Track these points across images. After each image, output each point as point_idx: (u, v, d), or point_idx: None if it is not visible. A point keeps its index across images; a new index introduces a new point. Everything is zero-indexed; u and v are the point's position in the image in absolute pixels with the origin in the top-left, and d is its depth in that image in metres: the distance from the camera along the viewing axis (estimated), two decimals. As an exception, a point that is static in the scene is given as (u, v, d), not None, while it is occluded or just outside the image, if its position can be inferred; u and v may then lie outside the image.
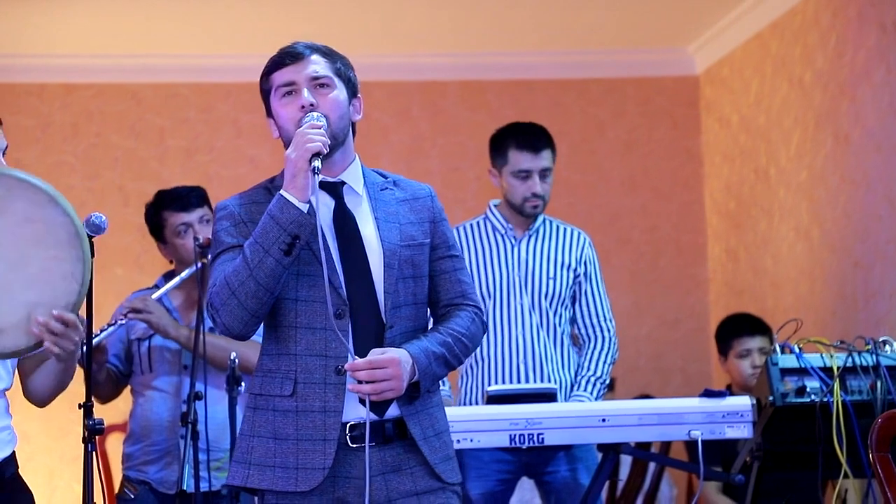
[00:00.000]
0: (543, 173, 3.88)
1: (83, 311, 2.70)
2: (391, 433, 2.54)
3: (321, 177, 2.50)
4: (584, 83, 6.59)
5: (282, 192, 2.45)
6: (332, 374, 2.50)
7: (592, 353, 3.88)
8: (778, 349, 3.59)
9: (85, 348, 2.83)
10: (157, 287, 3.92)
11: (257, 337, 3.83)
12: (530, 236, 3.93)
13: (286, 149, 2.53)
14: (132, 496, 3.80)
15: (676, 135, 6.62)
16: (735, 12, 6.00)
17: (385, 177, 2.68)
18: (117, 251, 5.99)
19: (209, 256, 3.78)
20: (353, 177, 2.62)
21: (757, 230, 5.99)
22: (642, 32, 6.32)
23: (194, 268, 3.75)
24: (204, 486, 3.60)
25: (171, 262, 3.96)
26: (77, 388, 3.17)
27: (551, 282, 3.87)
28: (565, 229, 3.97)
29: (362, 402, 2.49)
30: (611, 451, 3.52)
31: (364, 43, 6.10)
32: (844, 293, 5.11)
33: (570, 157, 6.29)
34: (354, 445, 2.49)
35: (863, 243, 4.97)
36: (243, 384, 3.61)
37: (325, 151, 2.47)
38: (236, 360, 3.59)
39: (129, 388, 3.95)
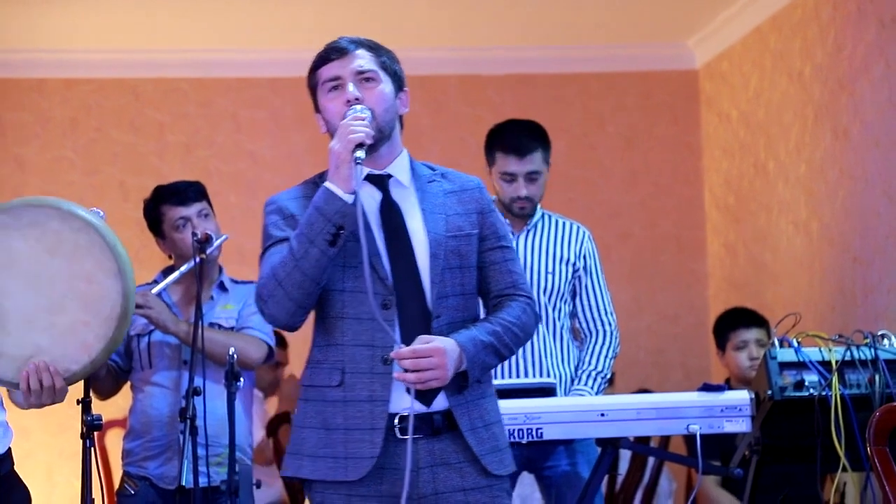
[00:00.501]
0: (530, 176, 3.85)
1: None
2: (440, 425, 2.55)
3: (367, 170, 2.53)
4: (584, 78, 6.59)
5: (326, 183, 2.49)
6: (378, 364, 2.52)
7: (593, 347, 3.87)
8: (777, 343, 3.59)
9: None
10: (156, 282, 3.93)
11: (256, 332, 3.86)
12: (529, 231, 3.92)
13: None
14: (132, 492, 3.80)
15: (676, 129, 6.61)
16: (734, 7, 6.00)
17: (433, 169, 2.71)
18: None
19: (207, 252, 3.80)
20: (399, 169, 2.64)
21: (756, 224, 5.99)
22: (642, 27, 6.32)
23: (193, 263, 3.75)
24: (203, 482, 3.60)
25: (169, 257, 3.96)
26: (77, 384, 3.18)
27: (550, 276, 3.86)
28: (564, 223, 3.96)
29: (409, 392, 2.50)
30: (609, 446, 3.52)
31: (369, 36, 6.08)
32: (843, 287, 5.11)
33: (570, 151, 6.29)
34: (403, 437, 2.51)
35: (862, 238, 4.97)
36: (242, 379, 3.61)
37: (369, 142, 2.50)
38: (235, 356, 3.59)
39: (128, 384, 3.95)
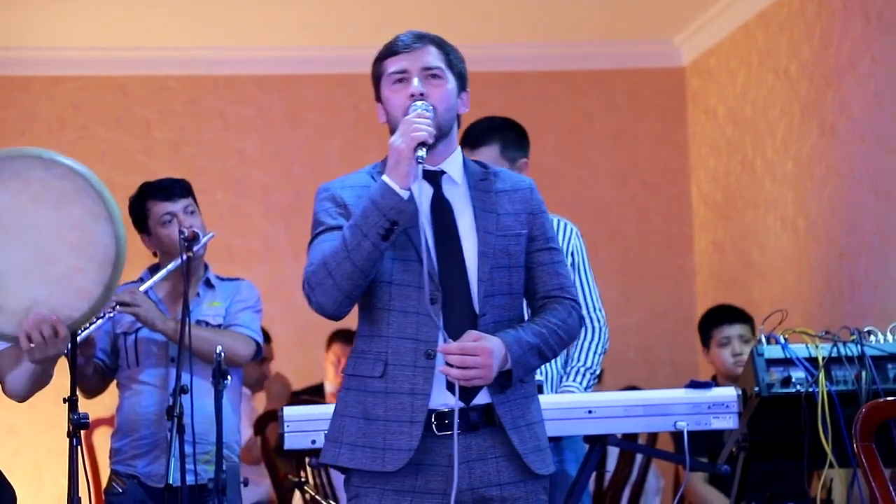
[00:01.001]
0: None
1: None
2: (476, 420, 2.55)
3: (423, 166, 2.53)
4: (573, 75, 6.59)
5: (384, 177, 2.49)
6: (422, 357, 2.53)
7: (582, 343, 3.86)
8: (764, 340, 3.59)
9: (70, 342, 2.83)
10: (141, 280, 3.92)
11: (244, 329, 3.85)
12: (516, 228, 3.91)
13: (391, 135, 2.57)
14: (121, 490, 3.79)
15: (664, 126, 6.62)
16: (721, 4, 6.01)
17: (486, 168, 2.71)
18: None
19: (194, 250, 3.79)
20: (453, 167, 2.65)
21: (743, 221, 6.00)
22: (629, 24, 6.32)
23: (180, 260, 3.74)
24: (191, 480, 3.59)
25: (154, 254, 3.95)
26: (63, 381, 3.17)
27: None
28: (551, 220, 3.95)
29: (450, 388, 2.52)
30: (597, 443, 3.52)
31: (352, 35, 6.09)
32: (830, 284, 5.12)
33: (558, 148, 6.30)
34: (440, 433, 2.52)
35: (848, 234, 4.98)
36: (229, 378, 3.61)
37: (431, 142, 2.51)
38: (222, 354, 3.58)
39: (115, 382, 3.94)
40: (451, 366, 2.48)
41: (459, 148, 2.69)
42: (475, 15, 6.04)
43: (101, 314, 3.73)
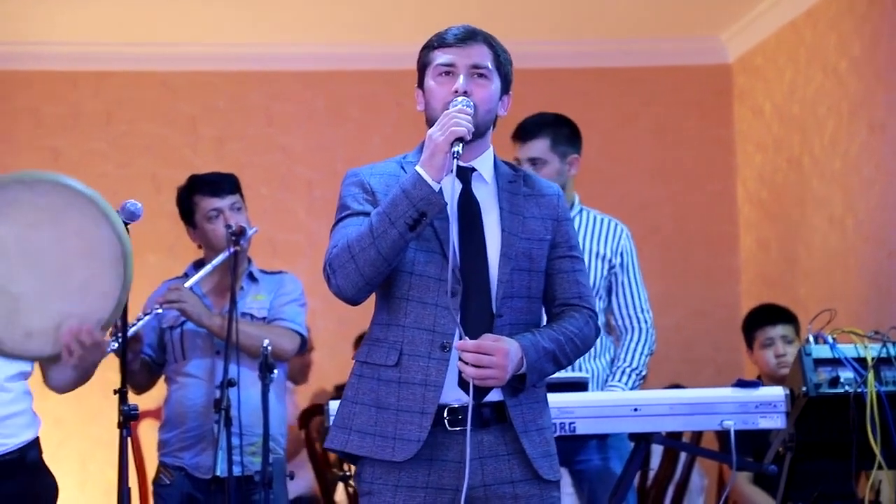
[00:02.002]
0: (532, 161, 3.82)
1: None
2: (489, 417, 2.55)
3: (457, 161, 2.52)
4: (615, 72, 6.56)
5: (417, 167, 2.49)
6: (437, 349, 2.53)
7: (629, 344, 3.86)
8: (811, 339, 3.56)
9: (120, 336, 2.85)
10: (186, 275, 3.94)
11: (288, 323, 3.86)
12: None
13: (427, 124, 2.57)
14: (168, 482, 3.82)
15: (708, 124, 6.58)
16: (768, 1, 5.96)
17: (516, 170, 2.70)
18: (150, 238, 6.01)
19: (242, 245, 3.81)
20: (484, 165, 2.64)
21: (789, 220, 5.95)
22: (674, 21, 6.29)
23: (226, 254, 3.76)
24: (237, 471, 3.62)
25: (199, 246, 3.98)
26: (109, 374, 3.20)
27: (585, 272, 3.84)
28: (602, 219, 3.94)
29: (461, 385, 2.52)
30: (642, 441, 3.51)
31: (395, 31, 6.09)
32: (878, 283, 5.07)
33: (600, 146, 6.27)
34: (452, 429, 2.52)
35: (897, 233, 4.94)
36: (276, 371, 3.62)
37: (469, 138, 2.50)
38: (269, 348, 3.60)
39: (163, 375, 3.97)
40: (466, 364, 2.48)
41: (492, 148, 2.68)
42: (518, 12, 6.02)
43: (149, 310, 3.76)
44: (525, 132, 3.84)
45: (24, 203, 2.62)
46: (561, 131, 3.88)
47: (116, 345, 3.27)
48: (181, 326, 3.85)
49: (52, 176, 2.65)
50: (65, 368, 2.77)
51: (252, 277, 3.96)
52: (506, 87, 2.66)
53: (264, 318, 3.89)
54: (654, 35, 6.45)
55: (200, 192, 3.91)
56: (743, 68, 6.47)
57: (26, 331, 2.64)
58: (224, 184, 3.92)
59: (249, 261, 3.99)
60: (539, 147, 3.83)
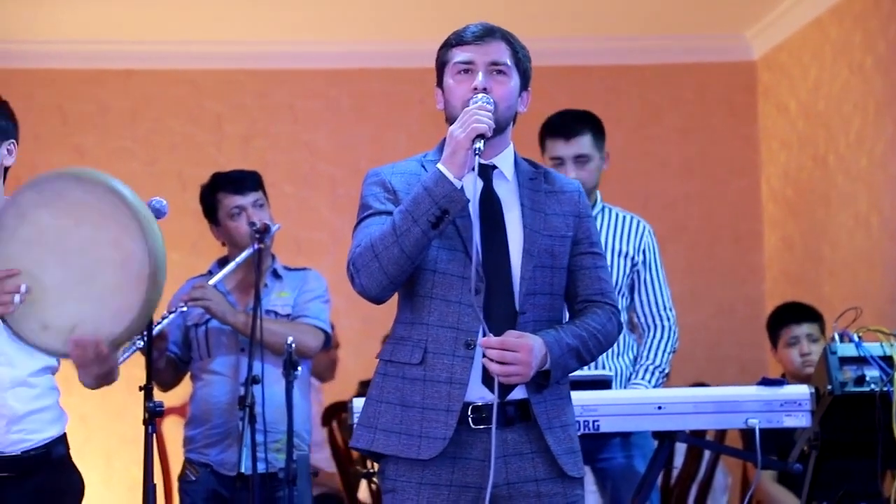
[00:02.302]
0: (578, 160, 3.80)
1: None
2: (513, 415, 2.56)
3: (479, 157, 2.53)
4: (641, 69, 6.55)
5: (439, 165, 2.49)
6: (461, 347, 2.54)
7: (652, 341, 3.85)
8: (837, 338, 3.55)
9: (145, 334, 2.87)
10: (210, 273, 3.96)
11: (312, 320, 3.88)
12: (587, 222, 3.89)
13: (447, 122, 2.58)
14: (194, 478, 3.84)
15: (733, 121, 6.56)
16: (793, -3, 5.94)
17: (536, 167, 2.70)
18: (175, 236, 6.00)
19: (266, 242, 3.83)
20: (504, 162, 2.64)
21: (814, 218, 5.93)
22: (699, 18, 6.27)
23: (250, 251, 3.77)
24: (262, 468, 3.63)
25: (223, 244, 4.00)
26: (135, 371, 3.21)
27: (607, 269, 3.83)
28: (624, 217, 3.92)
29: (486, 383, 2.52)
30: (666, 439, 3.50)
31: (419, 29, 6.09)
32: (904, 282, 5.05)
33: (625, 143, 6.25)
34: (476, 427, 2.53)
35: (924, 231, 4.91)
36: (300, 368, 3.64)
37: (490, 135, 2.50)
38: (293, 345, 3.62)
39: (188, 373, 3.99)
40: (490, 360, 2.48)
41: (512, 145, 2.68)
42: (543, 9, 6.02)
43: (174, 308, 3.78)
44: (569, 129, 3.82)
45: (73, 199, 2.63)
46: (597, 129, 3.89)
47: (142, 343, 3.29)
48: (206, 324, 3.87)
49: (106, 179, 2.66)
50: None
51: (276, 275, 3.97)
52: (525, 84, 2.65)
53: (288, 316, 3.90)
54: (679, 32, 6.43)
55: (223, 189, 3.93)
56: (768, 65, 6.44)
57: (43, 323, 2.65)
58: (247, 181, 3.93)
59: (273, 258, 4.01)
60: (585, 143, 3.82)
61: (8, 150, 2.86)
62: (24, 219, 2.65)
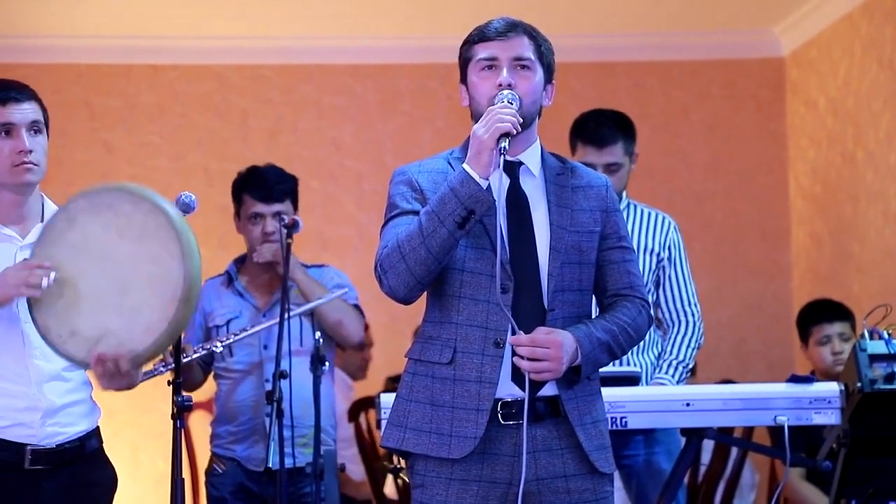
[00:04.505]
0: (609, 168, 3.81)
1: None
2: (543, 411, 2.55)
3: (504, 156, 2.52)
4: (668, 65, 6.52)
5: (465, 165, 2.49)
6: (490, 345, 2.54)
7: (676, 337, 3.84)
8: (866, 335, 3.52)
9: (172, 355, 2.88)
10: (228, 273, 3.95)
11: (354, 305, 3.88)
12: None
13: (472, 119, 2.58)
14: (221, 471, 3.86)
15: (761, 117, 6.52)
16: (823, -7, 5.90)
17: (563, 163, 2.69)
18: (200, 231, 5.94)
19: (292, 237, 3.82)
20: (531, 158, 2.64)
21: (843, 215, 5.89)
22: (727, 14, 6.23)
23: (329, 297, 3.77)
24: (289, 463, 3.64)
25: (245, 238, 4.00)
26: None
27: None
28: (650, 213, 3.92)
29: (515, 379, 2.52)
30: (694, 436, 3.49)
31: (446, 24, 6.09)
32: (934, 279, 5.01)
33: (652, 139, 6.23)
34: (505, 423, 2.52)
35: (954, 228, 4.86)
36: (327, 364, 3.64)
37: (515, 133, 2.49)
38: (320, 340, 3.62)
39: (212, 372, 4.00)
40: (521, 358, 2.48)
41: (538, 140, 2.67)
42: (569, 5, 6.00)
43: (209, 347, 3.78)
44: (603, 138, 3.82)
45: (123, 212, 2.67)
46: (629, 133, 3.90)
47: (165, 369, 3.43)
48: (227, 325, 3.88)
49: (155, 198, 2.70)
50: None
51: None
52: (549, 77, 2.65)
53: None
54: (708, 28, 6.39)
55: (249, 191, 3.90)
56: (797, 61, 6.40)
57: (72, 329, 2.68)
58: (275, 191, 3.87)
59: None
60: (618, 151, 3.84)
61: None
62: (73, 224, 2.70)
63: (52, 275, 2.66)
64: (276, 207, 3.87)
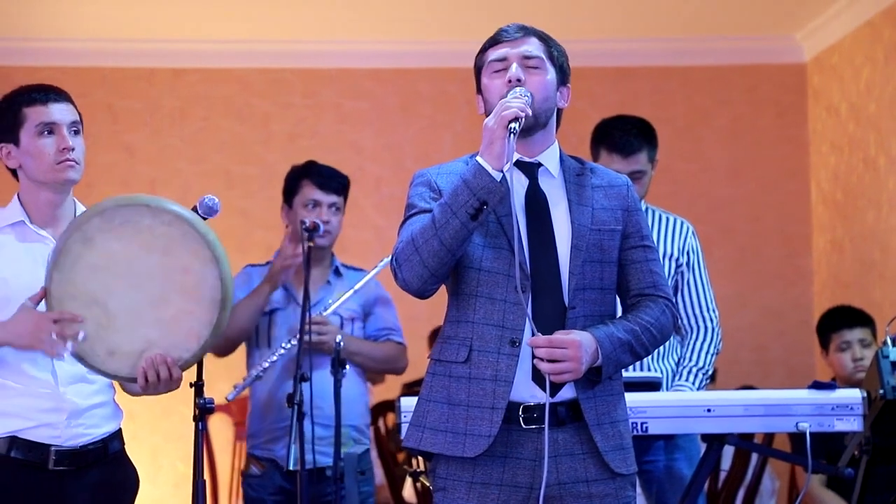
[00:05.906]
0: (633, 176, 3.79)
1: None
2: (564, 416, 2.55)
3: (518, 156, 2.54)
4: (689, 70, 6.51)
5: (478, 157, 2.49)
6: (506, 344, 2.53)
7: (695, 343, 3.83)
8: (889, 342, 3.50)
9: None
10: (269, 264, 3.97)
11: (397, 337, 3.91)
12: (633, 225, 3.88)
13: None
14: (259, 473, 3.86)
15: (782, 123, 6.51)
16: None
17: (582, 163, 2.70)
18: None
19: (315, 241, 3.84)
20: (549, 159, 2.64)
21: (864, 221, 5.86)
22: (749, 19, 6.22)
23: (377, 269, 3.85)
24: (325, 461, 3.69)
25: (286, 226, 4.01)
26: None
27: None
28: (668, 218, 3.91)
29: (536, 381, 2.52)
30: (715, 442, 3.47)
31: (466, 29, 6.09)
32: (957, 286, 4.98)
33: (673, 144, 6.21)
34: (527, 426, 2.52)
35: (977, 235, 4.83)
36: (348, 367, 3.64)
37: (523, 115, 2.48)
38: (341, 343, 3.63)
39: (245, 364, 4.01)
40: (541, 359, 2.47)
41: (557, 142, 2.67)
42: (590, 10, 5.99)
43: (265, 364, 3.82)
44: (628, 147, 3.82)
45: (143, 226, 2.70)
46: (653, 141, 3.90)
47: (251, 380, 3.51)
48: (270, 314, 3.90)
49: (176, 208, 2.72)
50: (134, 386, 2.83)
51: (337, 272, 4.01)
52: (563, 79, 2.65)
53: (352, 320, 3.92)
54: (730, 34, 6.38)
55: (310, 178, 3.98)
56: (819, 67, 6.38)
57: (110, 348, 2.71)
58: (334, 182, 3.97)
59: (332, 255, 4.04)
60: (642, 160, 3.84)
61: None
62: (90, 245, 2.71)
63: (81, 335, 2.69)
64: (333, 199, 3.96)
